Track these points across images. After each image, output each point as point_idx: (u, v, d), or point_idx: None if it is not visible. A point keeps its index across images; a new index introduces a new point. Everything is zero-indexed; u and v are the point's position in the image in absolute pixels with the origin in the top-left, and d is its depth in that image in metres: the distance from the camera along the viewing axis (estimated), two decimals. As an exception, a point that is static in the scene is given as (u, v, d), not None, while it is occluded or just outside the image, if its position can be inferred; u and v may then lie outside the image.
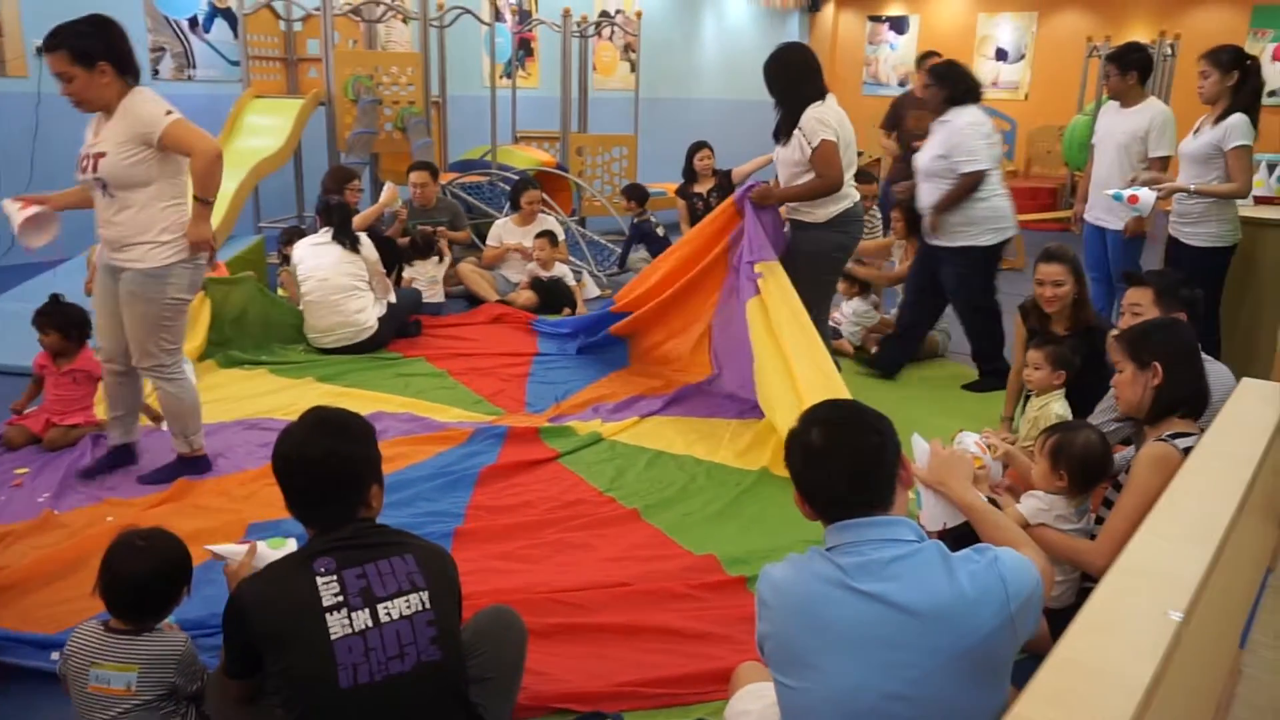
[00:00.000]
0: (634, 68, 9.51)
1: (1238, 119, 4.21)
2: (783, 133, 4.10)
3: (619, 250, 7.33)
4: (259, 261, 5.80)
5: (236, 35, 7.09)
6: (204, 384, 4.37)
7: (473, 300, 6.17)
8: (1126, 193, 4.34)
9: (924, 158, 4.64)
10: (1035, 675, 1.08)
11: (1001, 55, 13.08)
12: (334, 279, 4.96)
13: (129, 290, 3.19)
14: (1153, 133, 4.54)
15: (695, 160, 6.72)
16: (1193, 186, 4.29)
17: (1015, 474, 2.74)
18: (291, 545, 2.05)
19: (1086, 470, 2.42)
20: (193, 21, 7.32)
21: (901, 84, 13.80)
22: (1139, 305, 3.09)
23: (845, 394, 3.52)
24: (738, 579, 2.81)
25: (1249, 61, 4.29)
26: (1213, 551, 1.40)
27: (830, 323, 5.41)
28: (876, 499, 1.58)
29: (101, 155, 3.07)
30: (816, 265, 4.17)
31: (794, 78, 4.05)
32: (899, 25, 13.91)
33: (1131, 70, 4.64)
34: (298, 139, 6.55)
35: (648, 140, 8.91)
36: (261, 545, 2.07)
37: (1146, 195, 4.27)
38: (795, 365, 3.74)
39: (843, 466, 1.59)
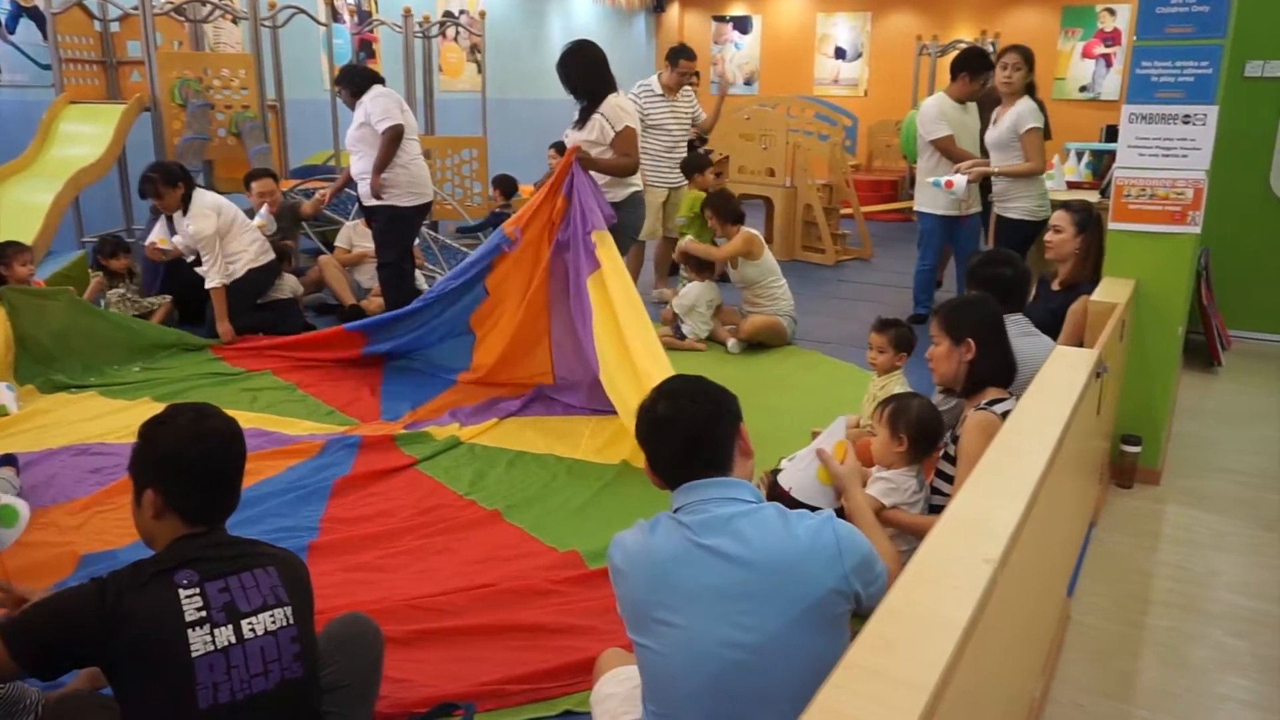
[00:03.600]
0: (480, 69, 9.40)
1: (1030, 105, 4.89)
2: (582, 118, 4.40)
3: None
4: (82, 277, 5.43)
5: (46, 37, 6.62)
6: (28, 409, 4.09)
7: (320, 310, 5.99)
8: (944, 179, 5.04)
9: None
10: (865, 625, 1.14)
11: (840, 54, 13.61)
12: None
13: None
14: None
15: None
16: (996, 169, 4.95)
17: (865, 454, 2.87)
18: (22, 517, 1.97)
19: (923, 431, 2.57)
20: (-5, 23, 6.78)
21: (747, 82, 14.19)
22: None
23: (671, 370, 3.59)
24: (599, 571, 2.82)
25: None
26: (1025, 504, 1.50)
27: (675, 322, 5.49)
28: (714, 463, 1.71)
29: None
30: (621, 240, 4.35)
31: (594, 71, 4.40)
32: (742, 25, 14.28)
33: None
34: (120, 146, 6.16)
35: (498, 141, 8.84)
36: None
37: (959, 180, 4.98)
38: (631, 344, 3.74)
39: (681, 434, 1.71)
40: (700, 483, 1.68)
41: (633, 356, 3.70)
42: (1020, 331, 3.00)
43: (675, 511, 1.70)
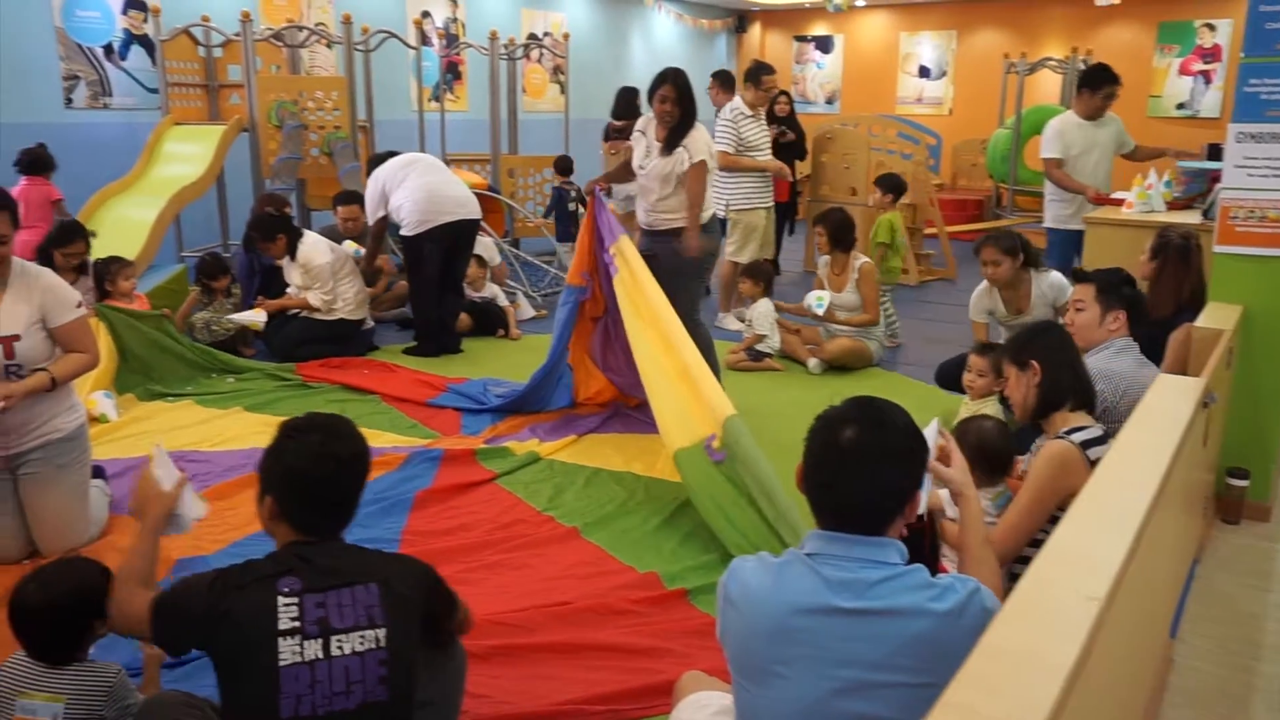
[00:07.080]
0: (563, 89, 9.53)
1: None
2: (670, 145, 4.24)
3: (553, 271, 7.33)
4: (182, 291, 5.66)
5: (154, 62, 6.94)
6: (126, 417, 4.26)
7: (404, 325, 6.11)
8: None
9: None
10: (965, 663, 1.09)
11: (924, 72, 13.43)
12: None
13: (57, 466, 2.96)
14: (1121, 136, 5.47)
15: None
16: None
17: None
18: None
19: (984, 455, 2.49)
20: (108, 49, 7.14)
21: (829, 101, 14.10)
22: (1081, 301, 3.10)
23: (710, 373, 3.50)
24: (678, 592, 2.80)
25: None
26: (1131, 538, 1.43)
27: (750, 347, 5.38)
28: (875, 527, 1.53)
29: (14, 338, 2.81)
30: (704, 263, 4.39)
31: (692, 99, 4.29)
32: (824, 45, 14.20)
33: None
34: (220, 166, 6.42)
35: (579, 160, 8.94)
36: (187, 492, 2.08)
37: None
38: (664, 330, 3.66)
39: (856, 491, 1.52)
40: (851, 538, 1.51)
41: (665, 338, 3.62)
42: (1135, 360, 2.90)
43: (809, 555, 1.53)
